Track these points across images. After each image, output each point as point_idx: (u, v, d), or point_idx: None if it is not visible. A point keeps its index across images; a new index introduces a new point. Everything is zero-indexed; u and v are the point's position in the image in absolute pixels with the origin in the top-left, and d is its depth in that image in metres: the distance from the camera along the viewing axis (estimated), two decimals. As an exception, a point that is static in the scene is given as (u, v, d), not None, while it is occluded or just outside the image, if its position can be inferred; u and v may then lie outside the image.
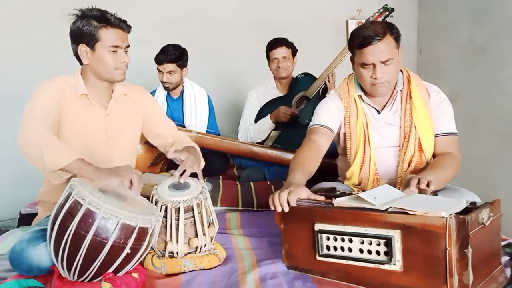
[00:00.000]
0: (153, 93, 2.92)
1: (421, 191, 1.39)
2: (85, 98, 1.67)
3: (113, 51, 1.61)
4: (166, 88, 2.89)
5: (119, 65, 1.63)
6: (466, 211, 1.15)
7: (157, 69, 2.85)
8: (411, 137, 1.74)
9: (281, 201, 1.35)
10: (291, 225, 1.38)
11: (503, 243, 1.40)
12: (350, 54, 1.77)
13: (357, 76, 1.77)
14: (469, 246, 1.07)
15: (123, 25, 1.63)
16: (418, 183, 1.38)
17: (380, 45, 1.62)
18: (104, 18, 1.60)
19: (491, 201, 1.22)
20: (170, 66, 2.80)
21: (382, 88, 1.70)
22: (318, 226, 1.29)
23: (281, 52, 2.84)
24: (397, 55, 1.67)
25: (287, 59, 2.86)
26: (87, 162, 1.38)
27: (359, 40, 1.65)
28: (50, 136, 1.45)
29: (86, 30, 1.59)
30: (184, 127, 2.86)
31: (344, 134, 1.85)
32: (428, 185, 1.38)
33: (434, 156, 1.76)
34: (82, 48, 1.62)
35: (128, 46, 1.67)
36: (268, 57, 2.92)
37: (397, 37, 1.67)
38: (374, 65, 1.64)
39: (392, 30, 1.66)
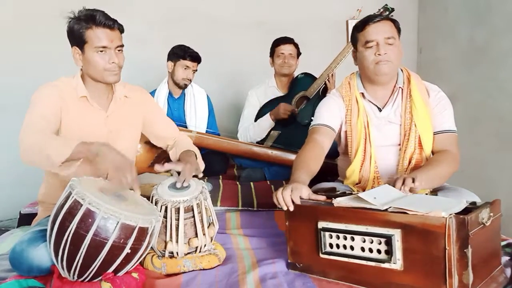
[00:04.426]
0: (153, 93, 2.91)
1: (411, 190, 1.39)
2: (85, 100, 1.64)
3: (101, 51, 1.55)
4: (184, 86, 2.91)
5: (108, 66, 1.56)
6: (466, 211, 1.15)
7: (185, 65, 2.83)
8: (411, 134, 1.74)
9: (286, 200, 1.36)
10: (295, 223, 1.38)
11: (503, 243, 1.40)
12: (350, 54, 1.78)
13: (360, 62, 1.77)
14: (469, 246, 1.07)
15: (110, 24, 1.54)
16: (403, 184, 1.39)
17: (383, 24, 1.71)
18: (91, 18, 1.52)
19: (491, 201, 1.22)
20: (196, 66, 2.89)
21: (385, 66, 1.70)
22: (321, 224, 1.30)
23: (289, 48, 2.89)
24: (398, 42, 1.73)
25: (293, 57, 2.91)
26: (89, 142, 1.37)
27: (363, 21, 1.74)
28: (47, 136, 1.43)
29: (76, 32, 1.55)
30: (185, 126, 2.86)
31: (345, 132, 1.85)
32: (413, 181, 1.39)
33: (432, 153, 1.76)
34: (75, 51, 1.59)
35: (121, 45, 1.59)
36: (272, 52, 2.94)
37: (398, 29, 1.75)
38: (377, 44, 1.69)
39: (394, 21, 1.75)
